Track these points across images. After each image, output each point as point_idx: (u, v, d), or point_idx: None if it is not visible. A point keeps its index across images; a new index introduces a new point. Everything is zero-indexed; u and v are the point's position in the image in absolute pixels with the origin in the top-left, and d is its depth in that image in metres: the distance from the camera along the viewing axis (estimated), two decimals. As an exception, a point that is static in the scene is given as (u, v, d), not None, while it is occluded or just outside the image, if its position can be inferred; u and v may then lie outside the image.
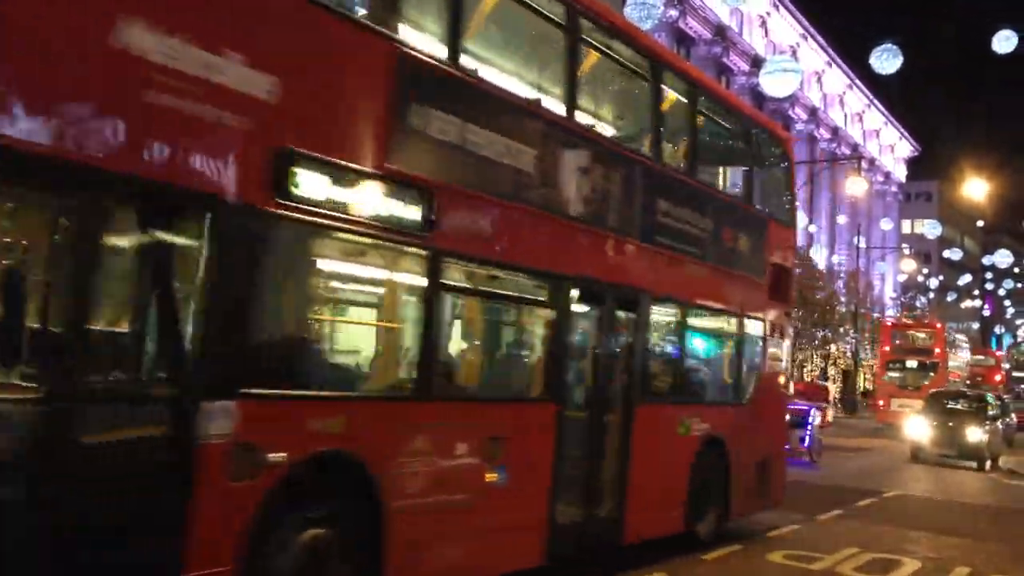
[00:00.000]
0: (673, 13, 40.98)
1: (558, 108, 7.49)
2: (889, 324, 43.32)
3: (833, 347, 51.08)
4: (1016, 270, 51.55)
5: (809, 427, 18.98)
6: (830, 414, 35.50)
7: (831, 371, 53.68)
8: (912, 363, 36.50)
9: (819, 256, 46.41)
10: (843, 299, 49.72)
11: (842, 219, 57.66)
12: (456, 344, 7.38)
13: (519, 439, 6.91)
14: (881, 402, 37.46)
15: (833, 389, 40.73)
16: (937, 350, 37.26)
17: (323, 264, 5.97)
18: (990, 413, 23.45)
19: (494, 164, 6.71)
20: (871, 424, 37.61)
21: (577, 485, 7.72)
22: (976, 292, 75.19)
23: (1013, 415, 31.82)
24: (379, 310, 6.66)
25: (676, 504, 9.00)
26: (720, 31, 45.58)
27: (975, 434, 21.89)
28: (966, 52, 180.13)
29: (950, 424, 22.35)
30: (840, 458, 22.07)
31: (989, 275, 58.43)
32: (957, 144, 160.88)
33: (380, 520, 5.66)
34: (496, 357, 7.96)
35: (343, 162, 5.53)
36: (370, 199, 5.73)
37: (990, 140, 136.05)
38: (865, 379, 58.58)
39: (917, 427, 23.13)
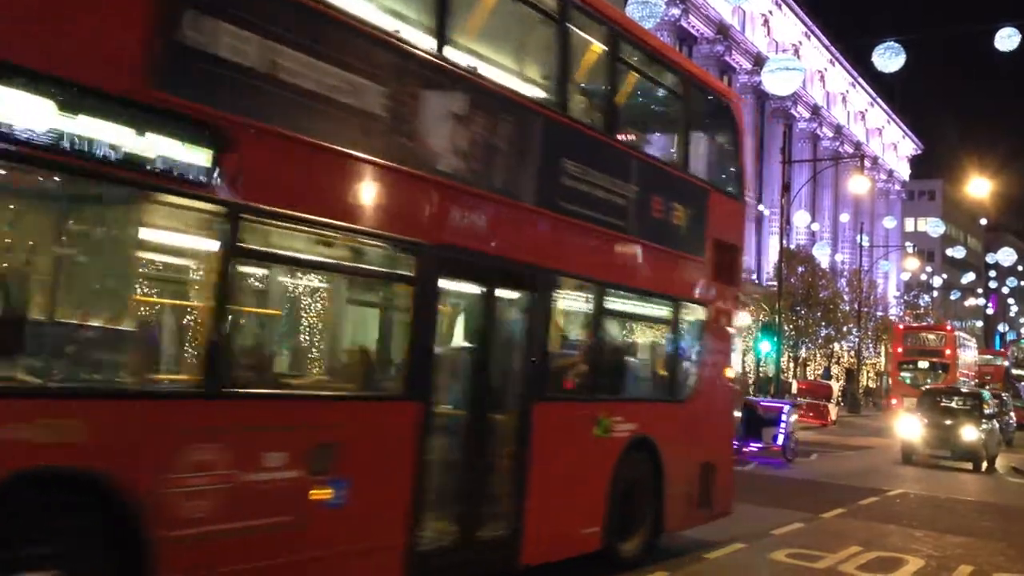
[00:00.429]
0: (675, 12, 40.96)
1: (425, 41, 6.23)
2: (902, 327, 45.38)
3: (836, 346, 51.03)
4: (1020, 268, 51.47)
5: (783, 425, 18.76)
6: (834, 412, 35.57)
7: (835, 370, 53.65)
8: (924, 364, 38.57)
9: (822, 255, 46.28)
10: (846, 298, 49.67)
11: (845, 217, 57.60)
12: (263, 326, 6.10)
13: (363, 446, 5.61)
14: (894, 401, 38.47)
15: (836, 388, 40.82)
16: (948, 351, 39.06)
17: (55, 217, 4.60)
18: (986, 411, 22.40)
19: (322, 100, 5.38)
20: (874, 423, 37.63)
21: (453, 501, 6.51)
22: (979, 290, 75.10)
23: (1012, 413, 31.74)
24: (148, 280, 5.23)
25: (591, 518, 7.74)
26: (722, 30, 45.54)
27: (970, 433, 20.88)
28: (969, 50, 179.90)
29: (944, 423, 21.30)
30: (842, 457, 22.08)
31: (992, 273, 58.39)
32: (960, 142, 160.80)
33: (142, 558, 4.37)
34: (328, 344, 6.73)
35: (79, 82, 4.17)
36: (126, 136, 4.38)
37: (993, 138, 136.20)
38: (868, 378, 58.54)
39: (909, 426, 22.04)
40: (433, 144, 6.22)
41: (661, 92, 9.46)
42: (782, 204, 43.53)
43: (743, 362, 44.77)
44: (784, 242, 41.96)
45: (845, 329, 49.32)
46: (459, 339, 7.15)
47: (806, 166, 51.69)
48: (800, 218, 44.58)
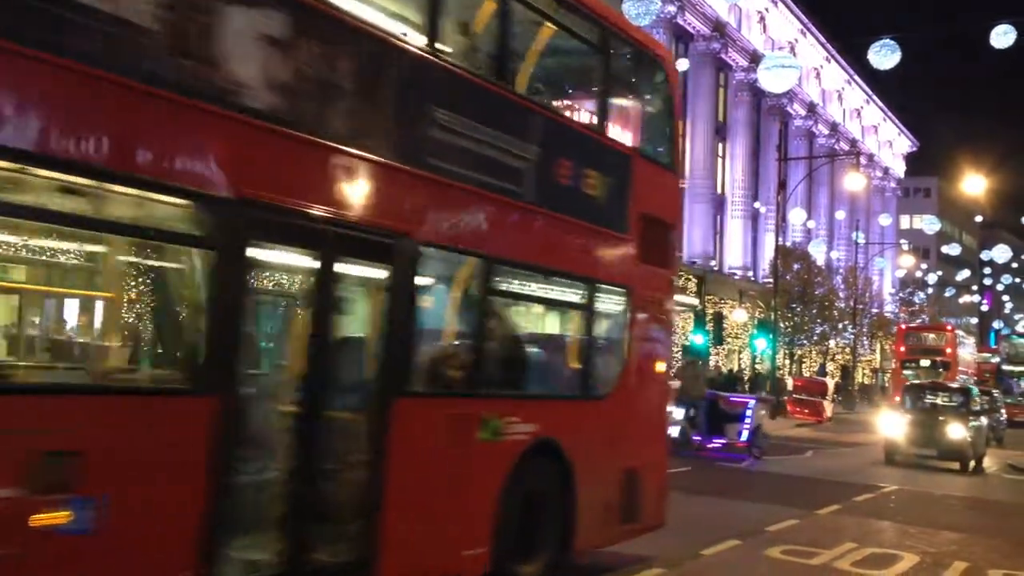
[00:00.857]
0: (671, 9, 40.95)
1: None
2: (904, 327, 47.10)
3: (832, 343, 51.16)
4: (1014, 265, 51.64)
5: (748, 421, 18.29)
6: (829, 409, 35.70)
7: (830, 367, 53.77)
8: (926, 362, 39.53)
9: (818, 252, 46.41)
10: (842, 295, 49.80)
11: (841, 215, 57.70)
12: None
13: (125, 454, 4.35)
14: (897, 398, 38.90)
15: (832, 384, 41.04)
16: (948, 350, 40.57)
17: None
18: (974, 408, 21.37)
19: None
20: (869, 419, 37.78)
21: (275, 523, 5.30)
22: (974, 287, 75.27)
23: (1003, 410, 31.65)
24: None
25: (476, 538, 6.48)
26: (719, 27, 45.56)
27: (957, 431, 19.75)
28: (965, 47, 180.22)
29: (929, 420, 20.23)
30: (836, 453, 22.14)
31: (987, 270, 58.57)
32: (955, 140, 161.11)
33: None
34: (63, 323, 5.61)
35: None
36: None
37: (988, 135, 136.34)
38: (864, 374, 58.68)
39: (892, 424, 20.94)
40: (233, 71, 4.90)
41: (573, 42, 8.07)
42: (778, 201, 43.67)
43: (738, 358, 44.90)
44: (780, 239, 42.06)
45: (840, 326, 49.45)
46: (280, 317, 6.18)
47: (802, 163, 51.80)
48: (796, 215, 44.66)
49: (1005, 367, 47.46)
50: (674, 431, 18.26)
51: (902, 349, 42.52)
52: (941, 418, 20.24)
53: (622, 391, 8.19)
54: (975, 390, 23.65)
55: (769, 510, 12.03)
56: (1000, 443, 28.00)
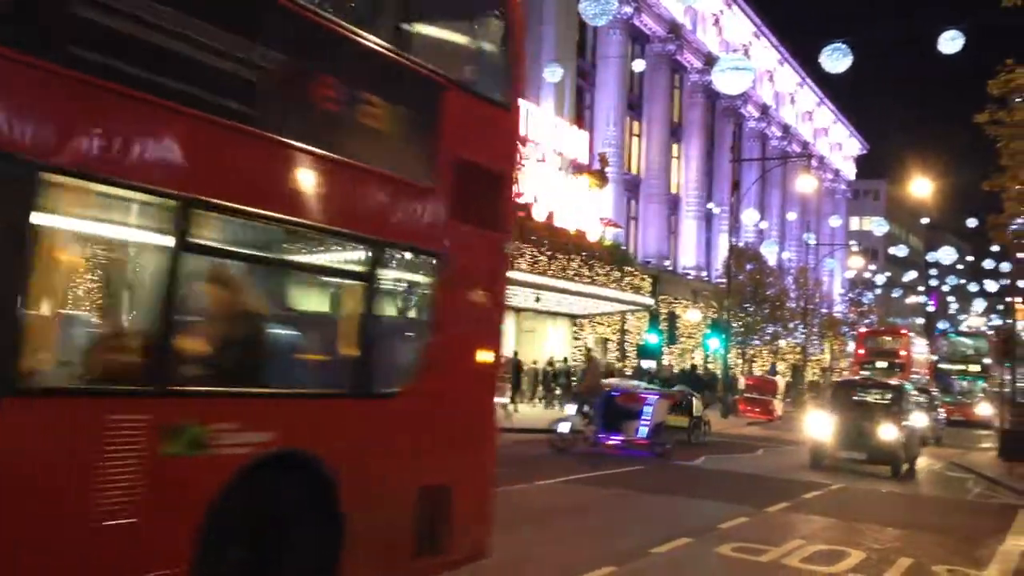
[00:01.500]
0: (628, 10, 41.19)
1: None
2: (863, 332, 49.73)
3: (783, 342, 51.84)
4: (959, 267, 52.68)
5: (647, 419, 17.94)
6: (779, 408, 36.19)
7: (780, 366, 54.48)
8: (882, 364, 40.88)
9: (770, 253, 47.00)
10: (793, 295, 50.49)
11: (792, 216, 58.50)
12: None
13: None
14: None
15: (782, 383, 41.60)
16: (903, 352, 42.44)
17: None
18: (907, 407, 20.02)
19: None
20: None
21: None
22: (921, 288, 76.74)
23: (941, 409, 31.50)
24: None
25: None
26: (674, 28, 45.92)
27: (888, 432, 18.11)
28: (914, 53, 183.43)
29: (859, 420, 18.65)
30: (786, 452, 22.44)
31: (933, 271, 59.75)
32: (903, 143, 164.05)
33: None
34: None
35: None
36: None
37: (935, 139, 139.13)
38: (814, 373, 59.56)
39: (819, 424, 19.27)
40: None
41: None
42: (731, 202, 44.25)
43: (691, 357, 45.33)
44: (733, 240, 42.52)
45: (791, 326, 50.11)
46: None
47: (755, 165, 52.41)
48: (749, 216, 45.20)
49: (943, 365, 47.26)
50: (564, 428, 18.62)
51: (861, 352, 44.48)
52: (871, 418, 18.64)
53: (422, 387, 6.33)
54: (909, 387, 22.20)
55: (720, 508, 12.17)
56: (939, 443, 28.03)
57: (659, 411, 18.42)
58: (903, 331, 48.42)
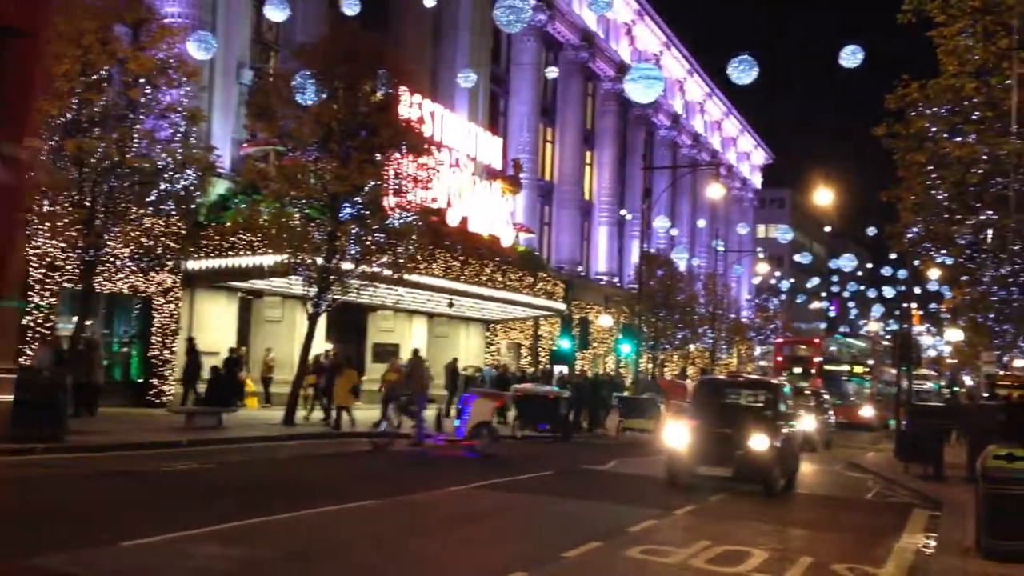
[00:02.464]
0: (542, 17, 41.50)
1: None
2: (781, 341, 52.44)
3: (692, 347, 52.78)
4: (859, 273, 54.39)
5: (465, 417, 18.65)
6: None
7: (690, 370, 55.47)
8: (798, 370, 43.36)
9: (680, 259, 47.84)
10: (702, 300, 51.47)
11: (702, 223, 59.69)
12: None
13: None
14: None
15: (692, 387, 42.27)
16: (816, 359, 45.21)
17: None
18: (784, 409, 16.77)
19: None
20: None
21: None
22: (824, 294, 79.14)
23: (831, 412, 31.02)
24: None
25: None
26: (587, 37, 46.46)
27: (760, 442, 14.62)
28: (817, 66, 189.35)
29: (724, 429, 15.10)
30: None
31: (835, 278, 61.57)
32: (808, 154, 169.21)
33: None
34: None
35: None
36: None
37: (838, 150, 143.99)
38: (722, 377, 60.79)
39: (677, 433, 15.54)
40: None
41: None
42: (643, 209, 44.87)
43: (603, 362, 45.82)
44: (645, 246, 43.16)
45: (701, 331, 51.08)
46: None
47: (666, 172, 53.34)
48: (660, 223, 45.94)
49: (828, 367, 46.02)
50: (383, 427, 19.22)
51: (779, 359, 46.90)
52: (740, 425, 15.13)
53: None
54: (787, 388, 18.88)
55: (630, 511, 12.30)
56: (828, 447, 27.83)
57: (478, 411, 18.72)
58: (816, 340, 50.50)
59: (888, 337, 57.49)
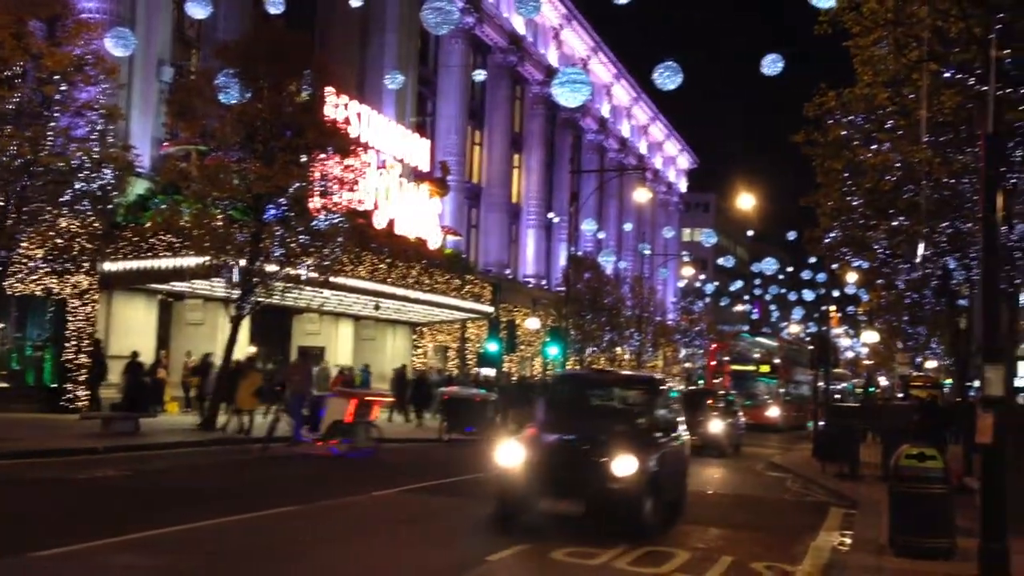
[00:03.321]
0: (470, 20, 41.51)
1: None
2: (714, 346, 52.89)
3: (619, 349, 53.31)
4: (781, 277, 55.59)
5: (321, 416, 18.97)
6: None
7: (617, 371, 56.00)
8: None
9: (607, 262, 48.31)
10: (629, 303, 52.04)
11: (629, 226, 60.37)
12: None
13: None
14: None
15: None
16: (725, 359, 46.04)
17: None
18: (661, 414, 12.17)
19: None
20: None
21: None
22: (747, 297, 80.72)
23: (741, 414, 29.73)
24: None
25: None
26: (515, 40, 46.61)
27: (624, 467, 10.31)
28: (740, 74, 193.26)
29: (572, 447, 10.91)
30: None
31: (757, 281, 62.84)
32: (732, 159, 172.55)
33: None
34: None
35: None
36: None
37: (761, 156, 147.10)
38: (648, 379, 61.50)
39: (509, 453, 10.83)
40: None
41: None
42: (570, 212, 45.20)
43: (531, 365, 45.98)
44: (572, 249, 43.48)
45: (627, 333, 51.62)
46: None
47: (593, 176, 53.82)
48: (587, 226, 46.35)
49: (736, 367, 45.21)
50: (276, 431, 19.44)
51: (713, 363, 47.58)
52: (595, 443, 10.76)
53: None
54: (671, 390, 14.60)
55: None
56: (737, 451, 26.82)
57: (333, 410, 18.93)
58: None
59: (789, 337, 58.37)
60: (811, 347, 55.25)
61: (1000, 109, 9.36)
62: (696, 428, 23.43)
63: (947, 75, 12.09)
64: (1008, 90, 9.42)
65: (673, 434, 12.48)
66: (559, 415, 12.09)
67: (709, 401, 26.50)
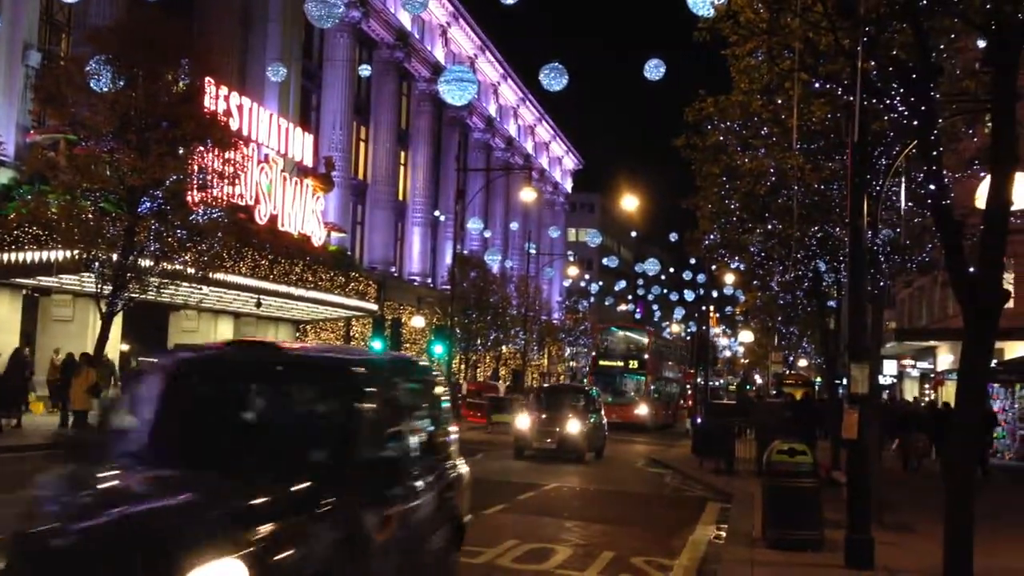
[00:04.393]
0: (356, 14, 40.97)
1: None
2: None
3: (504, 348, 53.62)
4: (663, 277, 56.91)
5: None
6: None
7: (502, 371, 56.32)
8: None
9: (493, 261, 48.49)
10: (514, 302, 52.39)
11: (515, 226, 60.75)
12: None
13: None
14: None
15: (503, 388, 42.90)
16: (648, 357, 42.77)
17: None
18: (410, 419, 6.68)
19: None
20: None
21: None
22: (630, 297, 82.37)
23: (603, 413, 25.71)
24: None
25: None
26: (402, 36, 46.26)
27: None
28: (624, 76, 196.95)
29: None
30: (506, 455, 23.16)
31: (640, 281, 64.22)
32: (617, 160, 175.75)
33: None
34: None
35: None
36: None
37: (644, 158, 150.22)
38: (533, 378, 62.10)
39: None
40: None
41: None
42: (457, 210, 45.11)
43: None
44: (458, 247, 43.44)
45: (513, 332, 51.97)
46: None
47: (480, 174, 53.89)
48: (473, 225, 46.42)
49: (603, 362, 42.54)
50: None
51: (595, 354, 45.87)
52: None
53: None
54: (438, 385, 7.87)
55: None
56: (600, 456, 23.81)
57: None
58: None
59: (655, 331, 58.41)
60: (678, 343, 56.75)
61: (866, 119, 9.79)
62: (551, 429, 22.28)
63: (817, 85, 12.56)
64: (874, 101, 9.85)
65: (443, 471, 7.26)
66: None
67: (568, 398, 24.53)
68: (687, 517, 13.63)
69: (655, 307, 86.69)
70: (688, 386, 47.84)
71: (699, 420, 26.45)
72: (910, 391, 42.28)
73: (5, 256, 22.18)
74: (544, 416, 23.03)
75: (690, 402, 47.33)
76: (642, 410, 39.73)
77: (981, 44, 10.34)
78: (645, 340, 43.78)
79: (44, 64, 24.90)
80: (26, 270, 22.47)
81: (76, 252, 19.85)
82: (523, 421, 23.47)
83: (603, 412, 25.94)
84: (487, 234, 53.99)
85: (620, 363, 41.95)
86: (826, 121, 15.18)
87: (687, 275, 55.20)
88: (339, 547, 4.90)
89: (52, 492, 4.96)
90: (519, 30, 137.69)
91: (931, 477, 20.66)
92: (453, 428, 7.75)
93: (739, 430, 24.15)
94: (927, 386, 40.23)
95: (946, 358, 35.12)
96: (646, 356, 42.18)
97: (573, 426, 22.52)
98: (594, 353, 44.22)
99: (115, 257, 19.96)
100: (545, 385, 38.59)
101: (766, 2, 11.64)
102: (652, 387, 41.81)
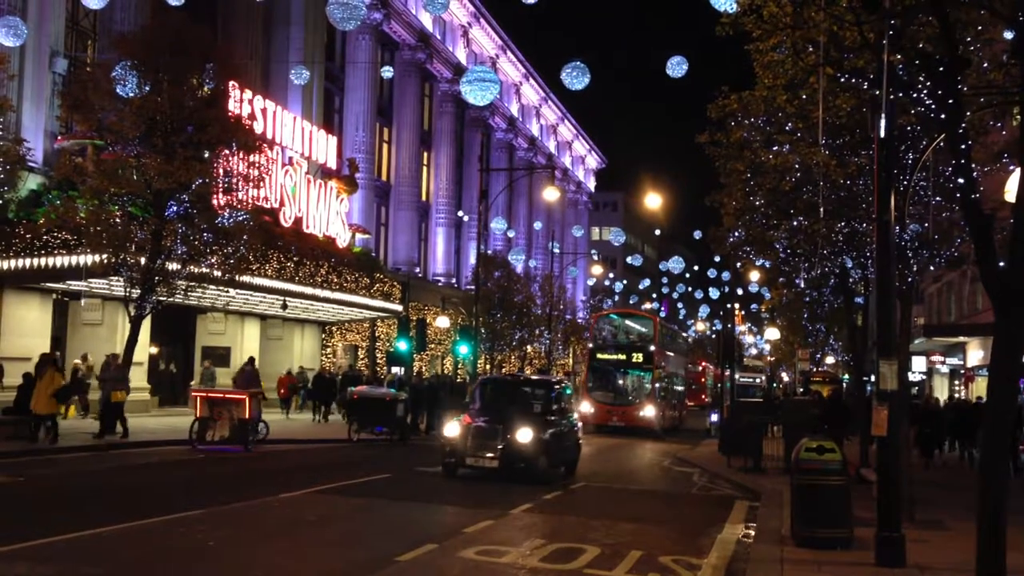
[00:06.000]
0: (377, 16, 41.12)
1: None
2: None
3: (529, 347, 53.61)
4: (687, 275, 56.63)
5: None
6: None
7: (528, 370, 56.33)
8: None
9: (517, 260, 48.47)
10: (539, 301, 52.37)
11: (538, 225, 60.76)
12: None
13: None
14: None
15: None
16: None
17: None
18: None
19: None
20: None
21: None
22: (655, 295, 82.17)
23: (576, 416, 20.28)
24: None
25: None
26: (424, 38, 46.36)
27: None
28: (647, 74, 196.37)
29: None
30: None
31: (665, 280, 63.93)
32: (640, 159, 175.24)
33: None
34: None
35: None
36: None
37: (668, 156, 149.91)
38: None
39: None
40: None
41: None
42: (480, 210, 45.13)
43: (442, 364, 45.84)
44: (482, 247, 43.46)
45: (537, 331, 51.95)
46: None
47: (503, 174, 53.94)
48: (497, 224, 46.44)
49: (600, 355, 36.09)
50: None
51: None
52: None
53: None
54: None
55: (467, 513, 12.34)
56: (571, 472, 18.12)
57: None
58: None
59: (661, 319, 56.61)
60: (680, 333, 55.88)
61: (892, 112, 9.70)
62: (490, 441, 16.06)
63: (842, 79, 12.46)
64: (900, 94, 9.75)
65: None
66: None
67: (519, 395, 18.50)
68: (715, 516, 13.57)
69: (680, 305, 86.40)
70: (714, 383, 46.98)
71: (714, 418, 25.92)
72: (940, 387, 41.83)
73: (35, 261, 22.45)
74: (483, 420, 16.48)
75: (704, 398, 45.79)
76: (648, 412, 33.69)
77: (1008, 35, 10.20)
78: (651, 329, 36.85)
79: (71, 70, 25.19)
80: (56, 275, 22.73)
81: (105, 256, 20.06)
82: (452, 428, 16.65)
83: (576, 416, 20.61)
84: (511, 234, 54.00)
85: (622, 356, 35.64)
86: (852, 115, 15.05)
87: (712, 273, 54.92)
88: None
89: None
90: (541, 30, 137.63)
91: (951, 471, 20.53)
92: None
93: (767, 427, 24.02)
94: (957, 382, 39.78)
95: (976, 354, 34.73)
96: (652, 348, 35.30)
97: (524, 434, 16.01)
98: (591, 345, 37.40)
99: (143, 261, 20.16)
100: (487, 376, 27.77)
101: (789, -4, 11.56)
102: (659, 384, 35.03)
